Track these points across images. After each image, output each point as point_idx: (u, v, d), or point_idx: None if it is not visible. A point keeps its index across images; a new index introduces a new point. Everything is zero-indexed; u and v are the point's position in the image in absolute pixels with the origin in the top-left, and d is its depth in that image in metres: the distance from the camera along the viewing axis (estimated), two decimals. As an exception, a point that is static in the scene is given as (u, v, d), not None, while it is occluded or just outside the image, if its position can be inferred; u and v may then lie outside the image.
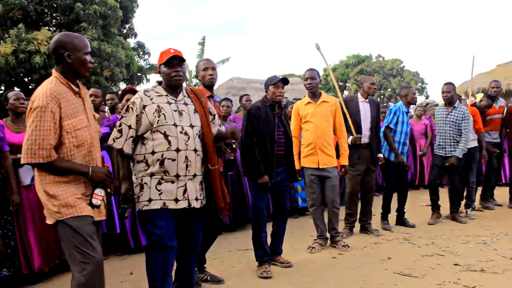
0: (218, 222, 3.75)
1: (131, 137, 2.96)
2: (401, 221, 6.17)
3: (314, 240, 5.16)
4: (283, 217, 4.52)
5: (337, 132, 5.07)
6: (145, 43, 15.58)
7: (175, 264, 3.15)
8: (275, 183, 4.30)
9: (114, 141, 2.98)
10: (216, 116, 3.38)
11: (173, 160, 2.92)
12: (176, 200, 2.96)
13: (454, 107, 6.07)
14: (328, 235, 5.17)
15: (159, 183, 2.93)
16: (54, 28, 11.36)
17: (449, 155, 6.10)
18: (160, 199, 2.93)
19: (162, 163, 2.91)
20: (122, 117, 3.01)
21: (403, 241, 5.34)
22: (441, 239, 5.38)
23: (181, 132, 2.96)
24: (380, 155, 5.75)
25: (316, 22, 76.79)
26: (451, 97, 6.08)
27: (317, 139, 4.87)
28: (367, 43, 64.12)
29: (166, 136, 2.92)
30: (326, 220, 5.15)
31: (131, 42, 13.84)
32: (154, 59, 14.89)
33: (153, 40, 68.38)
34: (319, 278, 4.08)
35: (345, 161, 5.10)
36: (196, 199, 3.05)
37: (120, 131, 2.97)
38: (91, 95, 4.81)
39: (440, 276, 3.98)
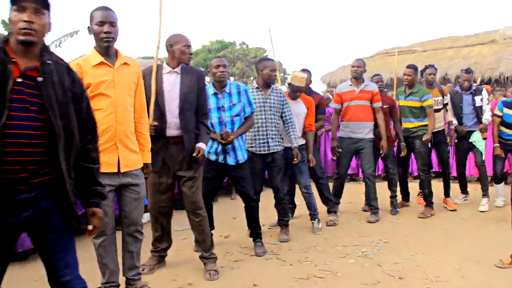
0: None
1: None
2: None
3: None
4: None
5: (136, 114, 3.21)
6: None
7: None
8: None
9: None
10: None
11: None
12: None
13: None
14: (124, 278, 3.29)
15: None
16: None
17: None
18: None
19: None
20: None
21: (270, 257, 4.20)
22: (315, 251, 4.34)
23: None
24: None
25: (179, 5, 74.51)
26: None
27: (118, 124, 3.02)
28: (231, 30, 64.07)
29: None
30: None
31: None
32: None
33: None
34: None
35: (148, 157, 3.32)
36: None
37: None
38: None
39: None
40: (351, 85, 5.74)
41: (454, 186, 6.72)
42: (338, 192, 5.94)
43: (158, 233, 3.86)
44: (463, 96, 6.23)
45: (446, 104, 6.32)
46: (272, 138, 4.64)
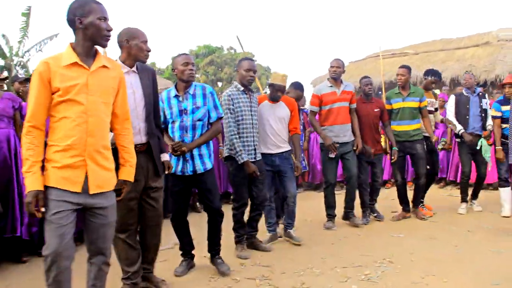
0: None
1: None
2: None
3: None
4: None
5: (117, 125, 2.74)
6: None
7: None
8: None
9: None
10: None
11: None
12: None
13: None
14: None
15: None
16: None
17: None
18: None
19: None
20: None
21: (262, 283, 3.65)
22: (312, 274, 3.82)
23: None
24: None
25: (165, 11, 73.85)
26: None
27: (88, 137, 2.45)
28: (219, 34, 63.53)
29: None
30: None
31: None
32: None
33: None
34: None
35: (129, 174, 2.76)
36: None
37: None
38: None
39: None
40: (331, 86, 5.39)
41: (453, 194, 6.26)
42: (332, 203, 5.48)
43: (126, 256, 3.29)
44: (470, 98, 6.00)
45: (437, 108, 6.22)
46: (257, 145, 4.35)
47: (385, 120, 5.73)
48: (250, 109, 4.30)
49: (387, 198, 7.05)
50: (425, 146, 5.76)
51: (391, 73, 13.38)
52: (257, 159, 4.35)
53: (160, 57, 74.04)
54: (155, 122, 3.30)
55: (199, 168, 3.71)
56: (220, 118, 3.84)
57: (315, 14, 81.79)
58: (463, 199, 6.12)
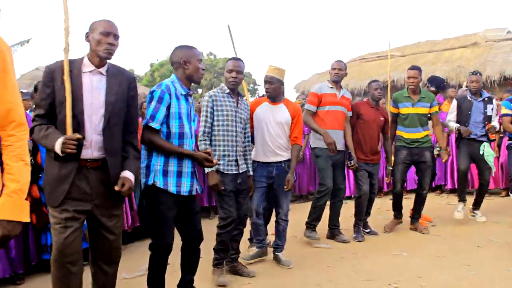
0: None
1: None
2: None
3: None
4: None
5: None
6: None
7: None
8: None
9: None
10: None
11: None
12: None
13: None
14: None
15: None
16: None
17: None
18: None
19: None
20: None
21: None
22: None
23: None
24: None
25: (145, 16, 72.84)
26: None
27: None
28: (199, 40, 62.99)
29: None
30: None
31: None
32: None
33: None
34: None
35: (8, 210, 1.72)
36: None
37: None
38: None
39: None
40: (332, 87, 4.87)
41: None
42: (320, 215, 4.88)
43: None
44: (473, 103, 5.47)
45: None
46: (239, 156, 3.75)
47: (386, 133, 5.27)
48: (234, 115, 3.71)
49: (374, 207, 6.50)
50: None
51: (376, 76, 13.04)
52: (241, 171, 3.75)
53: (138, 64, 73.15)
54: (125, 137, 2.65)
55: (198, 188, 3.10)
56: None
57: (297, 19, 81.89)
58: (461, 199, 5.60)
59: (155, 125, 2.86)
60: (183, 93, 3.01)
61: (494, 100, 5.60)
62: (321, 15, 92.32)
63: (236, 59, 3.90)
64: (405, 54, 13.33)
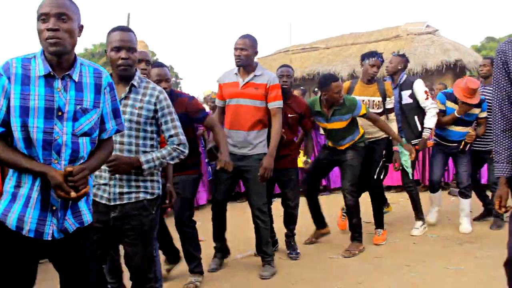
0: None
1: None
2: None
3: None
4: None
5: None
6: None
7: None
8: None
9: None
10: None
11: None
12: None
13: None
14: None
15: None
16: None
17: None
18: None
19: None
20: None
21: None
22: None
23: None
24: None
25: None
26: None
27: None
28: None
29: None
30: None
31: None
32: None
33: None
34: None
35: None
36: None
37: None
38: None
39: None
40: (236, 74, 3.83)
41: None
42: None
43: None
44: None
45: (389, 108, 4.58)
46: None
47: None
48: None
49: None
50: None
51: (301, 68, 12.88)
52: None
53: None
54: None
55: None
56: (118, 131, 2.05)
57: (220, 9, 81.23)
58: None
59: None
60: (43, 73, 1.79)
61: (418, 83, 4.66)
62: (244, 8, 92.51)
63: (123, 28, 2.44)
64: (329, 46, 13.28)
